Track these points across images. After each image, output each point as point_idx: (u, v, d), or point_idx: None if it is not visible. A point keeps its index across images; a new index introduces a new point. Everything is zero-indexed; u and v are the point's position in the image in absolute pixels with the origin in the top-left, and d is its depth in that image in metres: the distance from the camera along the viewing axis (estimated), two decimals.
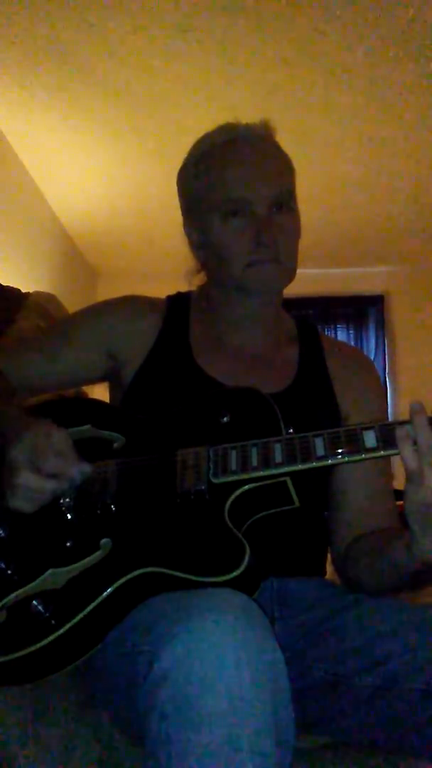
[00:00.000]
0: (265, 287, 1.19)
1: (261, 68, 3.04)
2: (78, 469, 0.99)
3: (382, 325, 5.31)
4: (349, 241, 4.80)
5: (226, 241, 1.18)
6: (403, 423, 0.93)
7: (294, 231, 1.22)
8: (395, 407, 5.09)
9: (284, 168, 1.23)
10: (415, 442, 0.90)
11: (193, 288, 1.34)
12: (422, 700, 0.93)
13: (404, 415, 0.94)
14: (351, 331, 5.33)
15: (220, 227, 1.18)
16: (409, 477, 0.91)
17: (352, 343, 5.15)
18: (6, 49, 2.84)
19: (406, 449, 0.90)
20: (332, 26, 2.76)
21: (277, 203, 1.18)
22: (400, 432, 0.91)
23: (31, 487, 0.96)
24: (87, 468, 1.00)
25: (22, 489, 0.96)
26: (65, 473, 0.98)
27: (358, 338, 5.28)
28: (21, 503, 0.97)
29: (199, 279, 1.32)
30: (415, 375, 5.01)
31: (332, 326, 5.31)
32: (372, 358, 5.09)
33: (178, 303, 1.32)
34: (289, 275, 1.21)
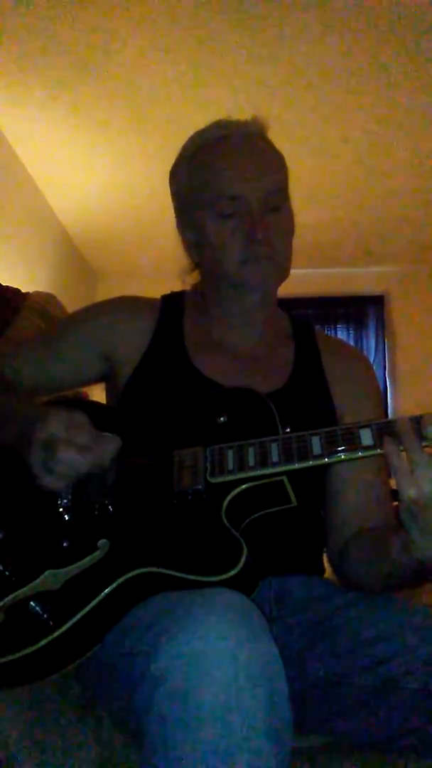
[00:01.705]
0: (260, 284, 1.19)
1: (261, 69, 3.04)
2: (111, 442, 0.99)
3: (382, 325, 5.31)
4: (349, 241, 4.81)
5: (220, 238, 1.17)
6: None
7: (287, 229, 1.21)
8: (395, 407, 5.09)
9: (277, 165, 1.23)
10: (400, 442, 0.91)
11: (188, 287, 1.34)
12: (422, 700, 0.93)
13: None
14: (351, 331, 5.33)
15: (213, 225, 1.18)
16: (398, 478, 0.91)
17: (352, 343, 5.15)
18: (6, 48, 2.85)
19: (396, 455, 0.91)
20: (332, 28, 2.76)
21: (270, 201, 1.18)
22: (388, 447, 0.91)
23: (72, 461, 0.95)
24: (117, 440, 1.00)
25: (62, 464, 0.95)
26: (99, 445, 0.97)
27: (358, 338, 5.28)
28: (58, 480, 0.96)
29: (193, 278, 1.32)
30: (415, 375, 5.02)
31: (332, 326, 5.31)
32: (372, 358, 5.10)
33: (172, 302, 1.31)
34: (283, 273, 1.21)
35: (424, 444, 0.91)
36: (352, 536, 1.16)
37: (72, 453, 0.95)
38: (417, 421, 0.92)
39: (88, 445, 0.96)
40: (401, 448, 0.91)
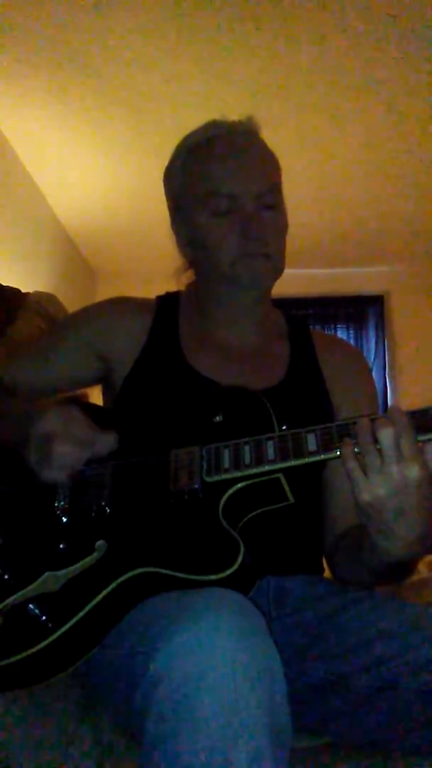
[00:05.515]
0: (254, 281, 1.19)
1: (261, 69, 3.04)
2: (108, 435, 1.03)
3: (382, 325, 5.31)
4: (349, 241, 4.80)
5: (214, 236, 1.18)
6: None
7: (281, 226, 1.22)
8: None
9: (270, 164, 1.23)
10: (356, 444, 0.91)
11: (183, 287, 1.34)
12: (422, 700, 0.93)
13: None
14: (351, 331, 5.33)
15: (207, 223, 1.19)
16: (352, 481, 0.91)
17: (352, 343, 5.14)
18: (6, 49, 2.84)
19: (351, 459, 0.91)
20: (332, 28, 2.76)
21: (264, 199, 1.18)
22: (344, 450, 0.91)
23: (67, 455, 0.98)
24: (112, 438, 1.03)
25: (58, 458, 0.98)
26: (95, 441, 1.01)
27: (358, 338, 5.28)
28: (56, 473, 0.99)
29: (188, 277, 1.32)
30: (415, 375, 5.01)
31: (332, 326, 5.31)
32: (372, 358, 5.10)
33: (167, 303, 1.32)
34: (277, 270, 1.21)
35: (377, 447, 0.90)
36: (340, 534, 1.16)
37: (69, 446, 0.98)
38: (372, 423, 0.91)
39: (85, 439, 1.00)
40: (357, 450, 0.91)
